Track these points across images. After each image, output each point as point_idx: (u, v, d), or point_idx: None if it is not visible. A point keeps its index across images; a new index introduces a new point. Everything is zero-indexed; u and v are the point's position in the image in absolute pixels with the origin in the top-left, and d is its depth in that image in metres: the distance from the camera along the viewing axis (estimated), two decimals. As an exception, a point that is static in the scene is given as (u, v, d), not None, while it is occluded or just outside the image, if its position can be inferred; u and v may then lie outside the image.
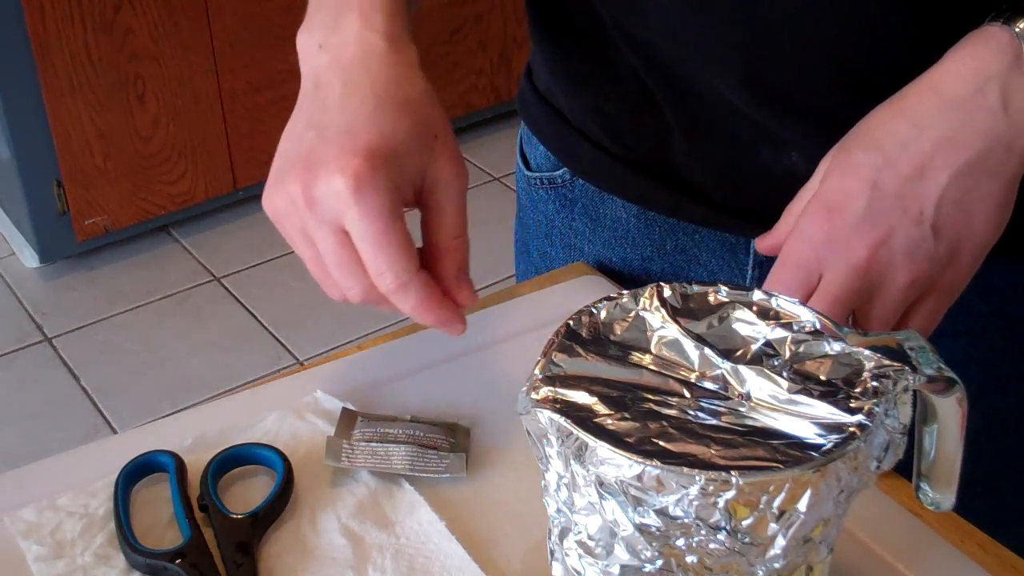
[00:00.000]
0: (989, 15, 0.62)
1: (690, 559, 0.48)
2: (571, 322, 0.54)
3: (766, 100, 0.71)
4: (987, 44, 0.61)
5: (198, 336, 2.42)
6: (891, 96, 0.63)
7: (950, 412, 0.54)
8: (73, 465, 0.69)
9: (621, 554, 0.49)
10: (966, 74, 0.61)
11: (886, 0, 0.66)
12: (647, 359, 0.53)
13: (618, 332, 0.54)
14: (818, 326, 0.53)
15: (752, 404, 0.50)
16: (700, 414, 0.50)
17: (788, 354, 0.52)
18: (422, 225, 0.67)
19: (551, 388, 0.50)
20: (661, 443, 0.48)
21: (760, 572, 0.49)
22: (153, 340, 2.41)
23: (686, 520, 0.47)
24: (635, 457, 0.47)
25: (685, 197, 0.80)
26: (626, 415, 0.49)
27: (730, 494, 0.46)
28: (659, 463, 0.46)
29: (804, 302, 0.56)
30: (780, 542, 0.48)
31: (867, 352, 0.52)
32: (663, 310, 0.55)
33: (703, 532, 0.47)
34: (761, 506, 0.47)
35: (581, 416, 0.49)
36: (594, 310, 0.55)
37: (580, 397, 0.50)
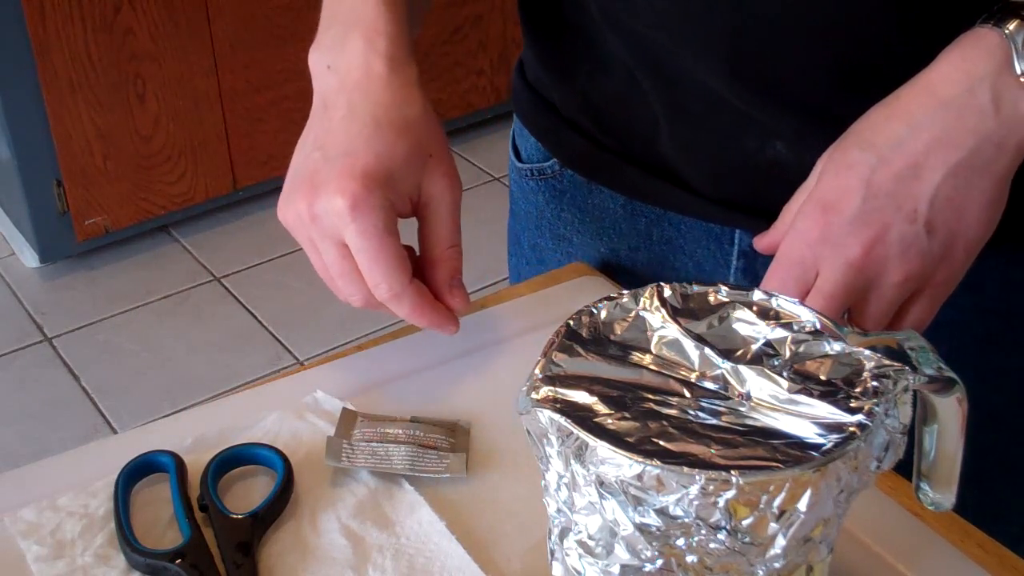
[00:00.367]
0: (981, 15, 0.63)
1: (690, 559, 0.48)
2: (571, 322, 0.54)
3: (752, 89, 0.72)
4: (977, 46, 0.62)
5: (198, 336, 2.42)
6: (886, 96, 0.64)
7: (950, 412, 0.54)
8: (73, 465, 0.69)
9: (621, 554, 0.49)
10: (958, 75, 0.62)
11: None
12: (647, 359, 0.53)
13: (618, 332, 0.54)
14: (818, 326, 0.54)
15: (752, 404, 0.50)
16: (700, 414, 0.50)
17: (788, 354, 0.52)
18: (419, 235, 0.73)
19: (551, 388, 0.51)
20: (661, 443, 0.48)
21: (760, 572, 0.49)
22: (153, 340, 2.41)
23: (686, 520, 0.47)
24: (635, 457, 0.47)
25: (672, 187, 0.81)
26: (626, 415, 0.49)
27: (730, 494, 0.46)
28: (659, 463, 0.47)
29: (801, 299, 0.56)
30: (780, 542, 0.48)
31: (867, 352, 0.52)
32: (663, 310, 0.55)
33: (703, 532, 0.47)
34: (761, 506, 0.47)
35: (581, 416, 0.49)
36: (594, 310, 0.55)
37: (580, 397, 0.50)
